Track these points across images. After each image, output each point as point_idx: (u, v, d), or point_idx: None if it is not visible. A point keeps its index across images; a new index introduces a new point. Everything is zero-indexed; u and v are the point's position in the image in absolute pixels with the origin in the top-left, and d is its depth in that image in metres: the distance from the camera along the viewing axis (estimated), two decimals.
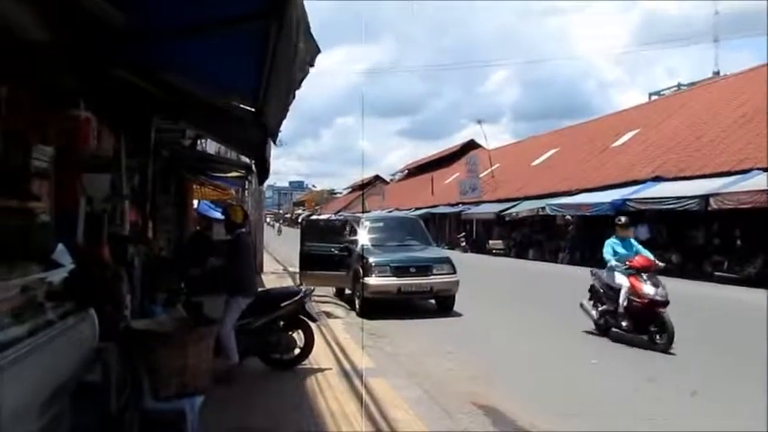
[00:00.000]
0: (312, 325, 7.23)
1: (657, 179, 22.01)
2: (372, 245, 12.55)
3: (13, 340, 2.66)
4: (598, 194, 23.94)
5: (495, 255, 31.22)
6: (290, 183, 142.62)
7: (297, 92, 3.93)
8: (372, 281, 11.39)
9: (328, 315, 11.03)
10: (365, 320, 10.67)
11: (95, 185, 5.63)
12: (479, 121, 54.71)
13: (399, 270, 11.55)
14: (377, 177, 78.90)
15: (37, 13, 3.70)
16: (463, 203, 38.63)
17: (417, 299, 12.30)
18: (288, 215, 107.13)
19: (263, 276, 16.84)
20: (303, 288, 7.55)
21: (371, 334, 9.50)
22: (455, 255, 18.83)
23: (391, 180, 78.42)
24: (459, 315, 11.56)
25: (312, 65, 3.01)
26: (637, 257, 8.83)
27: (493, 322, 11.08)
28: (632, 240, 9.44)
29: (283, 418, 5.29)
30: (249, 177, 16.50)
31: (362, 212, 22.53)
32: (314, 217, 24.05)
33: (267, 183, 11.03)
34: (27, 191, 3.99)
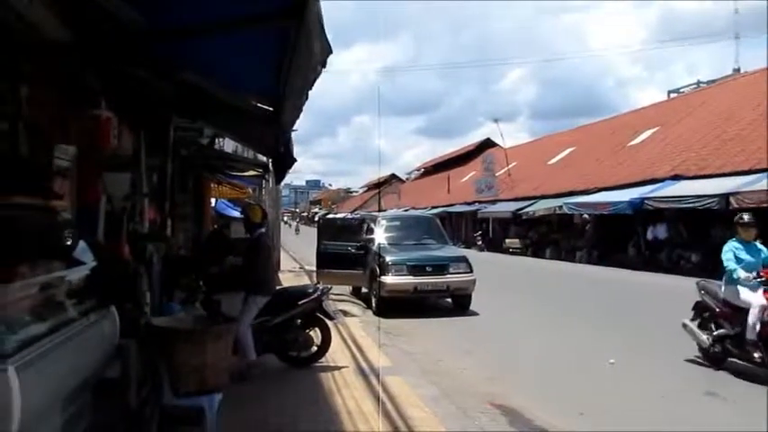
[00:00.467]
0: (329, 323, 7.27)
1: (676, 177, 21.78)
2: (389, 243, 12.57)
3: (36, 337, 2.70)
4: (616, 193, 23.74)
5: (512, 253, 31.11)
6: (307, 181, 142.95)
7: (311, 91, 3.95)
8: (389, 279, 11.40)
9: (345, 313, 11.04)
10: (382, 319, 10.68)
11: (116, 184, 5.69)
12: (496, 120, 54.77)
13: (416, 269, 11.55)
14: (393, 176, 78.89)
15: (58, 13, 3.75)
16: (479, 202, 38.50)
17: (434, 298, 12.30)
18: (304, 214, 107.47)
19: (279, 274, 16.91)
20: (320, 286, 7.58)
21: (388, 332, 9.51)
22: (471, 253, 18.78)
23: (407, 179, 78.36)
24: (476, 314, 11.53)
25: (324, 66, 3.01)
26: None
27: (510, 321, 11.03)
28: (758, 244, 7.21)
29: (300, 416, 5.31)
30: (266, 176, 16.60)
31: (378, 211, 22.50)
32: (331, 216, 24.07)
33: (284, 181, 11.07)
34: (50, 189, 4.03)
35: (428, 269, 11.62)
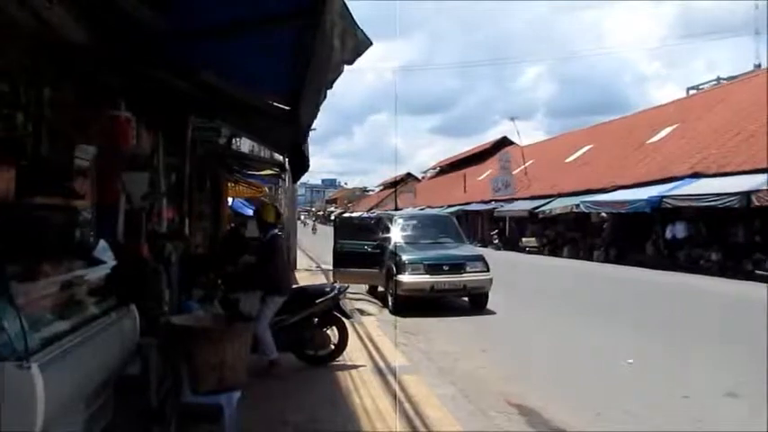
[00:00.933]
0: (346, 322, 7.29)
1: (696, 175, 21.52)
2: (405, 242, 12.57)
3: (59, 335, 2.74)
4: (634, 191, 23.52)
5: (529, 252, 30.95)
6: (323, 180, 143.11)
7: (328, 90, 3.95)
8: (405, 278, 11.40)
9: (362, 312, 11.08)
10: (398, 318, 10.68)
11: (135, 183, 5.74)
12: (512, 118, 54.16)
13: (432, 268, 11.53)
14: (409, 175, 78.73)
15: (78, 15, 3.79)
16: (496, 201, 38.33)
17: (450, 296, 12.28)
18: (320, 213, 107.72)
19: (296, 273, 16.97)
20: (337, 285, 7.60)
21: (405, 331, 9.51)
22: (488, 252, 18.71)
23: (423, 177, 78.20)
24: (493, 313, 11.49)
25: (351, 62, 2.93)
26: None
27: (526, 320, 10.98)
28: None
29: (318, 414, 5.33)
30: (283, 175, 16.66)
31: (395, 210, 22.50)
32: (347, 214, 24.13)
33: (299, 180, 11.10)
34: (71, 189, 4.09)
35: (445, 268, 11.61)
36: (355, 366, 7.05)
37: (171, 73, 4.81)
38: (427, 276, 11.46)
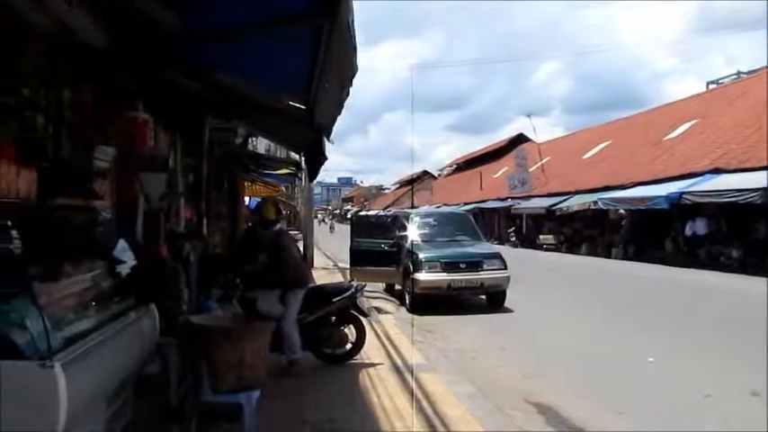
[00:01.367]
0: (363, 320, 7.29)
1: (716, 171, 21.22)
2: (422, 240, 12.56)
3: (80, 334, 2.77)
4: (653, 188, 23.25)
5: (546, 250, 30.75)
6: (339, 179, 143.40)
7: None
8: (422, 276, 11.38)
9: (379, 310, 11.08)
10: (415, 316, 10.68)
11: (153, 184, 5.78)
12: (529, 115, 54.00)
13: (449, 266, 11.51)
14: (425, 172, 78.62)
15: (97, 18, 3.83)
16: (512, 198, 38.14)
17: (468, 294, 12.24)
18: (337, 211, 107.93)
19: (313, 272, 17.02)
20: (354, 284, 7.61)
21: (422, 329, 9.50)
22: (505, 250, 18.62)
23: (439, 175, 78.05)
24: (510, 311, 11.44)
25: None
26: None
27: (544, 318, 10.91)
28: None
29: (336, 412, 5.34)
30: (299, 174, 16.72)
31: (411, 208, 22.45)
32: (364, 213, 24.11)
33: (316, 179, 11.15)
34: (91, 190, 4.14)
35: (462, 266, 11.57)
36: (373, 365, 7.05)
37: (187, 74, 4.85)
38: (444, 274, 11.43)
